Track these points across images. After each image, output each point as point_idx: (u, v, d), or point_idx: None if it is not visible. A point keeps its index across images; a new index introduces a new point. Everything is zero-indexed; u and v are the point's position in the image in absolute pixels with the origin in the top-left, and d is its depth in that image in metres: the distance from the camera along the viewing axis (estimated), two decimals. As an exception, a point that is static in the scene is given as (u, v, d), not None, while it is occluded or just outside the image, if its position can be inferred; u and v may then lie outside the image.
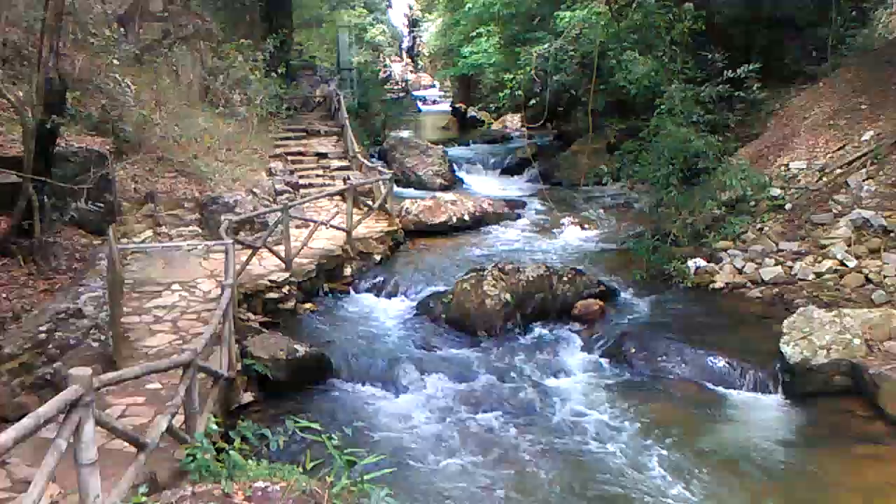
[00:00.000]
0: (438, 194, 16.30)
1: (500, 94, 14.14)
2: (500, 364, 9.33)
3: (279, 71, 16.23)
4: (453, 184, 20.71)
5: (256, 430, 5.84)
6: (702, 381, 8.81)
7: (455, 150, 24.56)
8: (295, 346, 8.87)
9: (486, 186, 20.87)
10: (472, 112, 32.48)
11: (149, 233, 12.20)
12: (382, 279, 12.48)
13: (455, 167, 22.00)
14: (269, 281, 11.04)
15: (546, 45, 13.51)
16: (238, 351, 8.50)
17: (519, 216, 16.89)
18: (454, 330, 10.45)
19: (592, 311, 10.72)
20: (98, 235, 9.84)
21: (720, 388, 8.65)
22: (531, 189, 20.49)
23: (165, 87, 14.87)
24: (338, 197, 15.17)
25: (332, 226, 12.42)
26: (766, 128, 16.88)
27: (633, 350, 9.46)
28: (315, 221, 12.05)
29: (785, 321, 8.71)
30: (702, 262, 12.30)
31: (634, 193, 17.63)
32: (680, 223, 12.69)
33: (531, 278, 10.94)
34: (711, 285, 11.67)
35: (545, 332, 10.42)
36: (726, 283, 11.62)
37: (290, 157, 18.08)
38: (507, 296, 10.53)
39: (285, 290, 11.12)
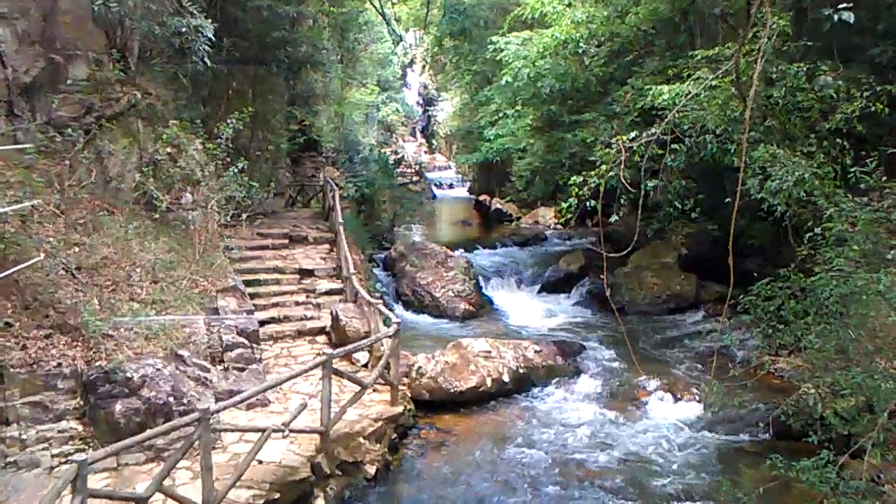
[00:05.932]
0: (465, 341, 11.35)
1: (562, 205, 9.31)
2: None
3: (240, 165, 11.46)
4: (480, 308, 15.63)
5: None
6: None
7: (480, 256, 19.68)
8: None
9: (525, 311, 15.79)
10: (497, 204, 27.63)
11: (-13, 437, 7.31)
12: (375, 520, 7.45)
13: (481, 282, 17.05)
14: (164, 560, 6.03)
15: (633, 134, 8.81)
16: None
17: (578, 371, 11.81)
18: None
19: None
20: None
21: None
22: (584, 317, 15.43)
23: (74, 186, 10.18)
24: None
25: (294, 431, 7.42)
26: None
27: None
28: (261, 430, 7.04)
29: None
30: (923, 507, 7.19)
31: (729, 330, 12.62)
32: (870, 427, 7.57)
33: (652, 570, 5.85)
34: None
35: None
36: None
37: (262, 276, 13.26)
38: None
39: (193, 577, 6.09)
